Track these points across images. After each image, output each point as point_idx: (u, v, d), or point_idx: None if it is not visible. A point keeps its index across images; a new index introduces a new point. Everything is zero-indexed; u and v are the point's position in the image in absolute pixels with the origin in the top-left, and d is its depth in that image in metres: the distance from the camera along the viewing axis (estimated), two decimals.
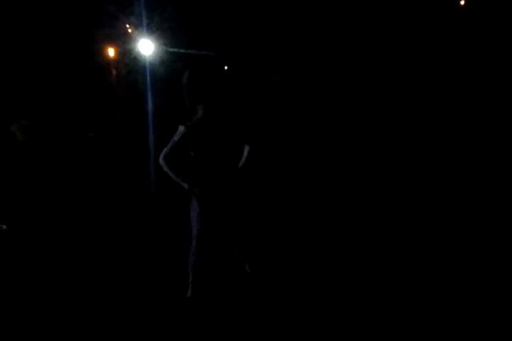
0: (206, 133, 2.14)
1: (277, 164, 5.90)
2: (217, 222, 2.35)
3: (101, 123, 11.49)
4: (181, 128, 2.13)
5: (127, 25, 15.89)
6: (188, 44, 15.82)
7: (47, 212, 4.53)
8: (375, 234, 3.35)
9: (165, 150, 2.17)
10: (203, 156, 2.19)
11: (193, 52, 15.56)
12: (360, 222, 3.61)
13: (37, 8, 13.60)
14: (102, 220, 4.21)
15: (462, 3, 17.64)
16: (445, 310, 2.29)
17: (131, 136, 10.12)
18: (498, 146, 5.69)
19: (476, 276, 2.59)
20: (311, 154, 6.54)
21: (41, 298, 2.70)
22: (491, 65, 12.33)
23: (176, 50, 15.79)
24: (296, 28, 17.29)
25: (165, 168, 2.19)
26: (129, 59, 15.99)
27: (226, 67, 18.14)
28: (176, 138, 2.13)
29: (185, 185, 2.23)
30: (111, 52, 17.16)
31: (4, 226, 4.01)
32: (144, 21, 14.75)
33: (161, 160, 2.18)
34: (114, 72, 17.54)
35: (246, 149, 2.36)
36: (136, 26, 15.46)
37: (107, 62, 17.29)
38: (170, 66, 15.80)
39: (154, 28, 15.25)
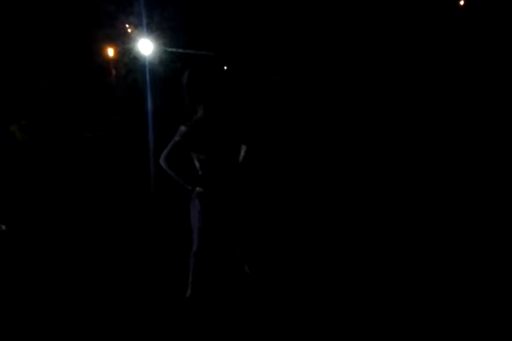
0: (206, 133, 2.14)
1: (276, 164, 5.90)
2: (218, 221, 2.34)
3: (100, 123, 11.50)
4: (182, 128, 2.13)
5: (127, 25, 15.89)
6: (187, 44, 15.82)
7: (46, 212, 4.53)
8: (374, 234, 3.35)
9: (165, 150, 2.17)
10: (203, 156, 2.20)
11: (193, 52, 15.56)
12: (360, 222, 3.61)
13: (37, 8, 13.59)
14: (101, 220, 4.21)
15: (462, 3, 17.67)
16: (445, 310, 2.30)
17: (131, 135, 10.12)
18: (498, 146, 5.69)
19: (476, 276, 2.59)
20: (310, 154, 6.54)
21: (41, 298, 2.70)
22: (490, 65, 12.35)
23: (175, 49, 15.80)
24: (296, 28, 17.30)
25: (166, 168, 2.19)
26: (128, 59, 16.00)
27: (225, 67, 18.15)
28: (176, 138, 2.13)
29: (186, 185, 2.23)
30: (110, 52, 17.16)
31: (3, 227, 4.01)
32: (144, 21, 14.76)
33: (161, 160, 2.19)
34: (113, 71, 17.55)
35: (243, 149, 2.37)
36: (136, 26, 15.47)
37: (106, 62, 17.29)
38: (169, 66, 15.81)
39: (154, 28, 15.26)
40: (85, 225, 4.07)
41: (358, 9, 16.79)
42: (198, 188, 2.24)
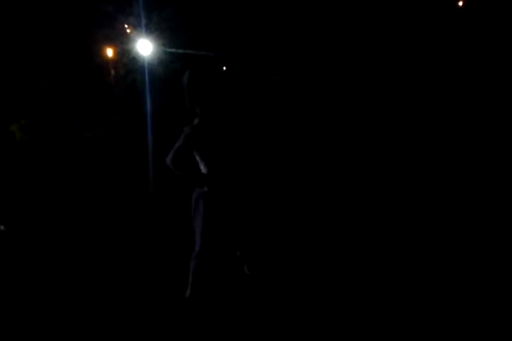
0: (208, 134, 2.14)
1: (277, 164, 5.90)
2: (221, 222, 2.33)
3: (100, 123, 11.50)
4: (185, 131, 2.13)
5: (126, 26, 15.89)
6: (186, 44, 15.83)
7: (46, 212, 4.53)
8: (375, 235, 3.36)
9: (171, 153, 2.16)
10: (206, 157, 2.20)
11: (192, 53, 15.57)
12: (360, 224, 3.62)
13: (36, 8, 13.59)
14: (101, 220, 4.21)
15: (460, 3, 17.70)
16: (445, 309, 2.31)
17: (130, 136, 10.12)
18: (498, 146, 5.71)
19: (475, 276, 2.60)
20: (310, 154, 6.54)
21: (41, 298, 2.70)
22: (489, 65, 12.36)
23: (174, 50, 15.80)
24: (295, 28, 17.31)
25: (172, 169, 2.18)
26: (127, 59, 16.00)
27: (224, 68, 18.14)
28: (180, 141, 2.13)
29: (195, 185, 2.23)
30: (109, 52, 17.16)
31: (2, 227, 4.00)
32: (143, 21, 14.76)
33: (168, 163, 2.18)
34: (112, 72, 17.54)
35: (244, 149, 2.37)
36: (135, 26, 15.48)
37: (105, 62, 17.29)
38: (168, 66, 15.82)
39: (153, 29, 15.27)
40: (85, 225, 4.07)
41: (357, 9, 16.80)
42: (204, 188, 2.24)
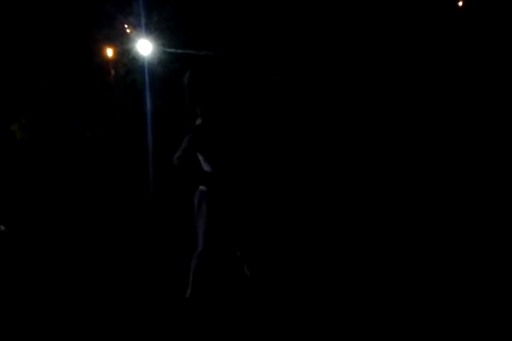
0: (210, 135, 2.14)
1: (277, 164, 5.90)
2: (224, 222, 2.33)
3: (100, 123, 11.51)
4: (190, 131, 2.13)
5: (126, 26, 15.88)
6: (186, 44, 15.81)
7: (46, 212, 4.53)
8: (375, 236, 3.36)
9: (176, 154, 2.16)
10: (209, 157, 2.20)
11: (192, 53, 15.56)
12: (360, 225, 3.62)
13: (36, 8, 13.59)
14: (101, 220, 4.21)
15: (460, 4, 17.69)
16: (445, 309, 2.31)
17: (130, 136, 10.13)
18: (498, 146, 5.71)
19: (476, 276, 2.61)
20: (311, 154, 6.55)
21: (40, 299, 2.70)
22: (489, 65, 12.36)
23: (174, 50, 15.79)
24: (295, 28, 17.31)
25: (179, 169, 2.19)
26: (127, 59, 15.98)
27: (224, 68, 18.12)
28: (186, 140, 2.13)
29: (201, 185, 2.24)
30: (109, 52, 17.14)
31: (2, 227, 4.00)
32: (143, 21, 14.75)
33: (175, 162, 2.19)
34: (112, 72, 17.52)
35: (245, 149, 2.37)
36: (135, 26, 15.46)
37: (105, 62, 17.28)
38: (168, 66, 15.80)
39: (153, 28, 15.25)
40: (85, 225, 4.07)
41: (357, 9, 16.80)
42: (204, 187, 2.24)
